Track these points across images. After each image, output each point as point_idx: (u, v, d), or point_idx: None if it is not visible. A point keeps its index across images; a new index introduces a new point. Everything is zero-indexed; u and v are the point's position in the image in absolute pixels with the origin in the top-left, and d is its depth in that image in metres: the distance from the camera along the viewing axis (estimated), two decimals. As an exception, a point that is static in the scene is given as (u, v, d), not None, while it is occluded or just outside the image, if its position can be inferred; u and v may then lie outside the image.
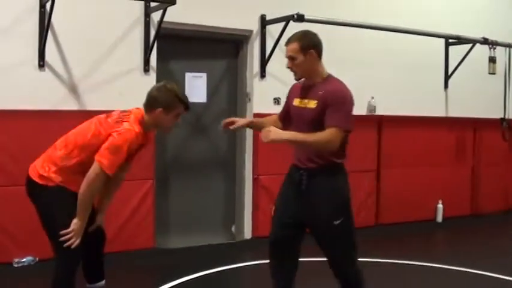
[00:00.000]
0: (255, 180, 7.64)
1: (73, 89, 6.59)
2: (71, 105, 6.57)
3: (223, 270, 6.12)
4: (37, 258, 6.27)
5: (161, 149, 7.12)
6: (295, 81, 4.61)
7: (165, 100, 4.31)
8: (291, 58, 4.32)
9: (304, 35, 4.33)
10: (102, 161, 4.08)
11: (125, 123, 4.24)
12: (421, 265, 6.49)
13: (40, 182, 4.28)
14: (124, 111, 4.45)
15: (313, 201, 4.19)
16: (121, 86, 6.75)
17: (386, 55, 8.45)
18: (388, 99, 8.40)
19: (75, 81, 6.58)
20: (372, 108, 8.37)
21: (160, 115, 4.31)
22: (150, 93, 4.42)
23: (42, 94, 6.39)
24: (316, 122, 4.13)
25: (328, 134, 4.01)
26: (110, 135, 4.16)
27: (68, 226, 4.14)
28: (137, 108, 4.44)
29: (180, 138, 7.46)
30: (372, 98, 8.33)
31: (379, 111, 8.41)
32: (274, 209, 4.48)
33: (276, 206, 4.47)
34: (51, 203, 4.25)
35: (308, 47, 4.25)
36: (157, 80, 7.00)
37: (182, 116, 7.22)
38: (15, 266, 6.22)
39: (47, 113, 6.38)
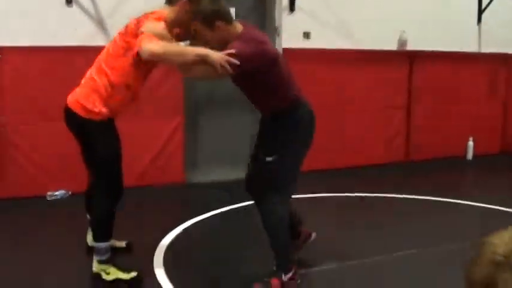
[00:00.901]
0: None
1: (101, 25, 6.57)
2: (99, 41, 6.55)
3: (251, 204, 6.17)
4: (70, 192, 6.39)
5: (191, 85, 7.11)
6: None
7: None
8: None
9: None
10: (139, 42, 3.89)
11: (147, 20, 4.08)
12: (448, 201, 6.48)
13: (85, 115, 4.17)
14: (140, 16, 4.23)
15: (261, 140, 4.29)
16: (149, 21, 6.71)
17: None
18: (420, 33, 8.24)
19: (102, 16, 6.56)
20: (403, 42, 8.22)
21: (185, 5, 4.07)
22: None
23: (70, 30, 6.39)
24: (242, 78, 4.02)
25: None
26: (137, 35, 3.99)
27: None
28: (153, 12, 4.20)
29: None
30: (403, 31, 8.18)
31: (411, 46, 8.26)
32: None
33: None
34: (97, 136, 4.19)
35: (212, 20, 3.90)
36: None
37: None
38: (49, 199, 6.35)
39: (75, 48, 6.39)
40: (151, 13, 4.18)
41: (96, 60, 4.35)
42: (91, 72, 4.31)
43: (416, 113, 8.50)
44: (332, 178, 7.50)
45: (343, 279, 4.43)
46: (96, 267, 4.24)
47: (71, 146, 6.31)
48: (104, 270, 4.22)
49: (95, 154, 4.22)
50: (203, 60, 3.76)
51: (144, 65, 4.08)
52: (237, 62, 3.70)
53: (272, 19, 7.63)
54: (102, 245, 4.21)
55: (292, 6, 7.54)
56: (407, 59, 8.32)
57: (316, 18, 7.66)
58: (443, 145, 8.66)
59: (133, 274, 4.22)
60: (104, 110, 4.12)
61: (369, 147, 8.14)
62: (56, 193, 6.38)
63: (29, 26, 6.20)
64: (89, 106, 4.13)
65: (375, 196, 6.68)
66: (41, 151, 6.35)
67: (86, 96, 4.18)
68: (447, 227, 5.64)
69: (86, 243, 4.71)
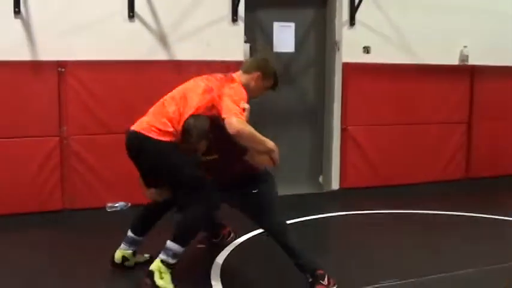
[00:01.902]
0: (344, 131, 7.57)
1: (162, 39, 6.66)
2: (160, 55, 6.65)
3: (310, 219, 6.14)
4: (129, 204, 6.46)
5: (249, 99, 7.12)
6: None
7: (265, 68, 4.64)
8: None
9: None
10: (233, 111, 4.23)
11: (234, 82, 4.50)
12: (509, 220, 6.33)
13: (156, 137, 4.31)
14: (225, 74, 4.67)
15: None
16: (209, 35, 6.78)
17: (481, 1, 8.06)
18: (482, 49, 8.08)
19: (164, 31, 6.65)
20: (464, 57, 8.09)
21: (257, 79, 4.60)
22: (250, 60, 4.89)
23: (131, 45, 6.49)
24: None
25: None
26: (222, 94, 4.36)
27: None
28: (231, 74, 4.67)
29: (268, 88, 7.44)
30: (465, 46, 8.05)
31: (472, 61, 8.12)
32: None
33: None
34: (170, 154, 4.32)
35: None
36: (245, 30, 7.01)
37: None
38: (108, 210, 6.43)
39: (137, 63, 6.49)
40: (231, 79, 4.57)
41: (170, 97, 4.58)
42: (164, 103, 4.52)
43: (477, 129, 8.32)
44: (390, 195, 7.40)
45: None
46: (155, 265, 4.23)
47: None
48: (161, 272, 4.21)
49: (180, 174, 4.36)
50: (267, 153, 4.41)
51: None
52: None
53: (332, 33, 7.60)
54: (177, 248, 4.23)
55: (352, 21, 7.50)
56: (469, 74, 8.17)
57: (377, 33, 7.60)
58: (505, 162, 8.45)
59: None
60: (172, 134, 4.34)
61: (428, 163, 8.00)
62: (116, 205, 6.46)
63: (91, 41, 6.32)
64: (163, 128, 4.33)
65: (434, 214, 6.57)
66: (101, 163, 6.44)
67: (159, 121, 4.38)
68: (505, 245, 5.52)
69: (113, 259, 4.75)
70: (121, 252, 4.74)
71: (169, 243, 4.24)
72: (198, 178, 4.33)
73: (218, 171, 4.43)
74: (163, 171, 4.41)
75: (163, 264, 4.22)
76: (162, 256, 4.24)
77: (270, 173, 4.73)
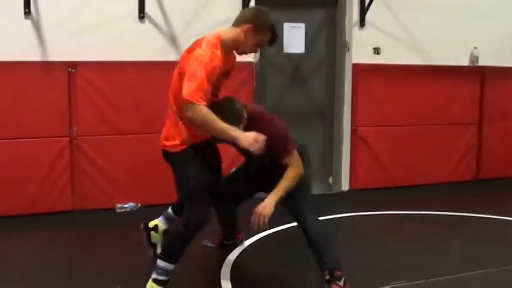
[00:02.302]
0: (354, 132, 7.55)
1: (173, 40, 6.67)
2: (171, 56, 6.65)
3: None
4: (139, 204, 6.47)
5: (259, 99, 7.13)
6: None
7: (258, 19, 4.14)
8: None
9: None
10: (184, 92, 3.88)
11: (196, 50, 4.05)
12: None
13: (169, 150, 4.24)
14: (199, 39, 4.24)
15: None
16: (219, 36, 6.77)
17: (490, 2, 8.06)
18: (492, 50, 8.05)
19: (174, 32, 6.66)
20: (474, 58, 8.06)
21: (247, 32, 4.12)
22: (242, 11, 4.26)
23: (142, 46, 6.50)
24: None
25: None
26: (186, 67, 4.02)
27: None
28: (215, 32, 4.23)
29: (278, 88, 7.45)
30: (475, 48, 8.02)
31: (482, 62, 8.09)
32: None
33: None
34: (179, 166, 4.22)
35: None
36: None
37: (282, 67, 7.29)
38: (118, 211, 6.44)
39: (147, 64, 6.50)
40: (201, 38, 4.24)
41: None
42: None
43: (487, 129, 8.29)
44: (400, 196, 7.38)
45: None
46: (149, 285, 4.22)
47: (140, 158, 6.47)
48: None
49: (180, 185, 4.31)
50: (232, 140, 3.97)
51: None
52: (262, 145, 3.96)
53: (342, 34, 7.59)
54: (166, 265, 4.18)
55: (362, 22, 7.49)
56: (479, 75, 8.14)
57: (387, 34, 7.58)
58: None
59: None
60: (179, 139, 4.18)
61: (438, 164, 7.98)
62: (125, 205, 6.48)
63: (102, 42, 6.33)
64: (169, 139, 4.24)
65: (444, 215, 6.55)
66: (111, 163, 6.46)
67: (167, 130, 4.29)
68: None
69: (146, 223, 4.82)
70: (158, 221, 4.76)
71: (159, 262, 4.21)
72: (192, 191, 4.16)
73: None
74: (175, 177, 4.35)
75: (155, 283, 4.20)
76: (153, 275, 4.21)
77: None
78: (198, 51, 4.02)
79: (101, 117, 6.39)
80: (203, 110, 3.86)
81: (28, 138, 6.16)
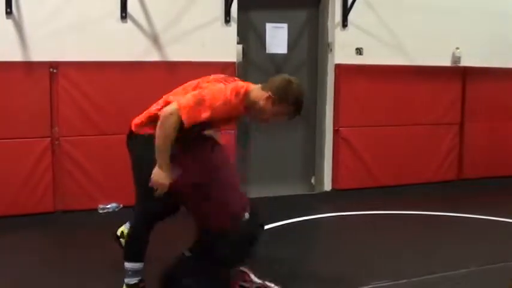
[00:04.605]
0: (336, 132, 7.57)
1: (155, 40, 6.65)
2: (153, 56, 6.64)
3: (302, 220, 6.14)
4: (121, 205, 6.45)
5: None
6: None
7: (281, 91, 3.91)
8: None
9: None
10: (181, 101, 3.76)
11: (220, 83, 3.97)
12: (502, 221, 6.35)
13: (134, 129, 4.19)
14: (229, 76, 4.19)
15: None
16: (202, 37, 6.77)
17: (472, 2, 8.09)
18: (474, 50, 8.10)
19: (156, 32, 6.64)
20: (456, 59, 8.10)
21: (267, 100, 3.92)
22: (274, 77, 4.06)
23: (124, 46, 6.48)
24: None
25: None
26: (201, 87, 3.97)
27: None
28: (246, 82, 4.11)
29: (261, 89, 7.44)
30: (457, 48, 8.06)
31: (464, 63, 8.14)
32: None
33: None
34: (142, 152, 4.12)
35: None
36: (238, 31, 7.00)
37: (264, 68, 7.29)
38: (100, 212, 6.42)
39: (129, 64, 6.48)
40: (233, 79, 4.16)
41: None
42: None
43: (469, 130, 8.34)
44: (382, 196, 7.41)
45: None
46: None
47: (123, 159, 6.40)
48: None
49: (135, 172, 4.30)
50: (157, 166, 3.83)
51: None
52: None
53: (324, 35, 7.60)
54: (131, 265, 4.16)
55: (344, 22, 7.50)
56: (461, 75, 8.19)
57: (369, 34, 7.60)
58: (497, 163, 8.47)
59: None
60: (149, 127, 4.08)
61: (421, 164, 8.02)
62: (108, 206, 6.45)
63: (84, 41, 6.30)
64: (136, 121, 4.26)
65: (426, 214, 6.59)
66: (93, 164, 6.43)
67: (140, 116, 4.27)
68: (498, 246, 5.54)
69: (116, 233, 4.78)
70: (123, 228, 4.74)
71: (125, 264, 4.18)
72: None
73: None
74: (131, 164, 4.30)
75: (128, 287, 4.19)
76: (125, 280, 4.19)
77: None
78: (221, 87, 3.94)
79: (83, 117, 6.36)
80: (174, 124, 3.71)
81: (9, 138, 6.11)
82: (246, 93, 3.93)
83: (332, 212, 6.68)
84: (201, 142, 4.04)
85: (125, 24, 6.50)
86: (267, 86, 3.95)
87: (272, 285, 4.13)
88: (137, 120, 4.22)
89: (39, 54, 6.16)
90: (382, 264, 4.96)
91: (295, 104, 3.96)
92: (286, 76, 4.05)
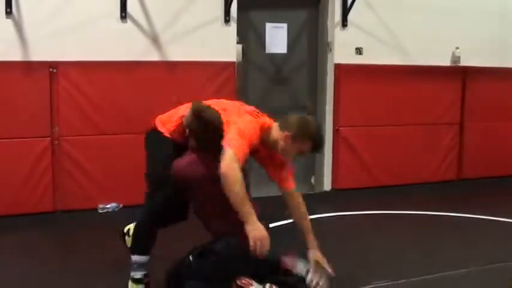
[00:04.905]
0: (336, 132, 7.58)
1: (155, 40, 6.65)
2: (153, 56, 6.64)
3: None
4: (121, 205, 6.45)
5: (241, 99, 7.11)
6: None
7: (298, 129, 4.08)
8: None
9: None
10: (232, 143, 3.82)
11: (250, 116, 4.09)
12: (501, 221, 6.35)
13: (160, 129, 4.28)
14: (258, 111, 4.25)
15: None
16: (202, 36, 6.77)
17: (472, 2, 8.11)
18: (474, 50, 8.11)
19: (156, 32, 6.64)
20: (456, 59, 8.11)
21: (286, 139, 4.08)
22: (288, 117, 4.21)
23: (124, 45, 6.48)
24: None
25: None
26: (232, 122, 3.98)
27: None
28: (270, 118, 4.24)
29: (261, 88, 7.45)
30: (457, 48, 8.07)
31: (464, 62, 8.14)
32: None
33: None
34: (160, 150, 4.23)
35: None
36: (238, 31, 7.00)
37: (264, 67, 7.30)
38: (100, 211, 6.42)
39: (129, 64, 6.47)
40: (262, 114, 4.22)
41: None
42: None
43: (469, 130, 8.34)
44: (382, 196, 7.41)
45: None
46: (129, 285, 4.24)
47: (122, 159, 6.45)
48: None
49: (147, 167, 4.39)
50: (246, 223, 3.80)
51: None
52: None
53: (324, 34, 7.61)
54: (137, 258, 4.21)
55: (344, 22, 7.50)
56: (460, 75, 8.19)
57: (369, 34, 7.61)
58: (497, 163, 8.47)
59: None
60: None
61: (420, 164, 8.02)
62: (108, 206, 6.45)
63: (83, 41, 6.30)
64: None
65: (426, 214, 6.59)
66: (93, 164, 6.43)
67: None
68: (497, 246, 5.54)
69: (123, 229, 4.74)
70: (131, 225, 4.67)
71: (132, 257, 4.23)
72: (159, 179, 4.18)
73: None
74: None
75: (134, 282, 4.21)
76: (131, 274, 4.22)
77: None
78: (252, 121, 4.06)
79: (83, 117, 6.36)
80: (238, 170, 3.76)
81: (9, 138, 6.12)
82: (266, 131, 4.11)
83: (332, 212, 6.67)
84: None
85: (124, 24, 6.50)
86: (284, 126, 4.11)
87: None
88: (168, 125, 4.27)
89: (39, 54, 6.16)
90: (382, 264, 4.96)
91: (315, 138, 4.14)
92: (300, 115, 4.25)
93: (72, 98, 6.29)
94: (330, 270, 4.24)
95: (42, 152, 6.21)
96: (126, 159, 6.37)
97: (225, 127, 3.95)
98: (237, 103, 4.43)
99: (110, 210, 6.45)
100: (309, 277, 4.19)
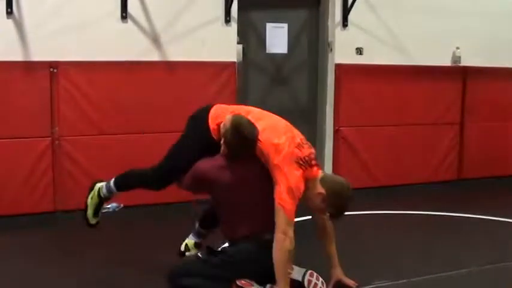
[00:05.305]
0: (336, 132, 7.57)
1: (155, 40, 6.65)
2: (153, 56, 6.64)
3: (302, 221, 6.14)
4: (121, 205, 6.43)
5: (242, 99, 7.13)
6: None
7: (335, 195, 4.17)
8: None
9: None
10: (284, 204, 4.04)
11: (298, 169, 4.14)
12: (502, 221, 6.35)
13: (210, 120, 4.41)
14: (314, 158, 4.33)
15: None
16: (202, 36, 6.77)
17: (473, 2, 8.09)
18: (474, 50, 8.10)
19: (156, 32, 6.64)
20: (456, 59, 8.10)
21: (318, 195, 4.18)
22: (335, 176, 4.51)
23: (124, 45, 6.48)
24: None
25: None
26: (282, 172, 4.09)
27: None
28: (317, 167, 4.32)
29: (261, 88, 7.45)
30: (457, 48, 8.06)
31: (464, 62, 8.14)
32: None
33: None
34: (201, 127, 4.40)
35: None
36: (239, 31, 7.00)
37: (264, 67, 7.30)
38: (101, 211, 6.40)
39: (129, 64, 6.48)
40: (316, 163, 4.31)
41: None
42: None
43: (469, 130, 8.33)
44: (382, 196, 7.41)
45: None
46: (97, 185, 4.75)
47: (123, 158, 6.43)
48: (93, 196, 4.75)
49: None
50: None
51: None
52: None
53: (325, 34, 7.61)
54: (113, 186, 4.65)
55: (345, 22, 7.50)
56: (461, 75, 8.18)
57: (369, 34, 7.60)
58: (497, 163, 8.47)
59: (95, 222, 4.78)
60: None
61: (420, 164, 8.02)
62: (108, 206, 6.41)
63: (84, 41, 6.30)
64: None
65: (426, 214, 6.59)
66: (93, 164, 6.42)
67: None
68: (498, 246, 5.54)
69: (180, 248, 4.83)
70: (187, 240, 4.84)
71: (113, 179, 4.68)
72: (174, 159, 4.45)
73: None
74: None
75: (97, 191, 4.73)
76: (103, 183, 4.72)
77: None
78: (299, 176, 4.13)
79: (83, 117, 6.35)
80: (291, 238, 4.06)
81: (10, 138, 6.11)
82: (312, 180, 4.20)
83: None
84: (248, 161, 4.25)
85: (125, 24, 6.50)
86: (326, 182, 4.20)
87: None
88: (218, 120, 4.36)
89: (39, 54, 6.16)
90: (382, 264, 4.97)
91: (339, 210, 4.24)
92: (345, 182, 4.34)
93: (73, 98, 6.29)
94: (353, 283, 4.43)
95: (43, 152, 6.20)
96: (126, 159, 6.35)
97: (272, 162, 4.10)
98: (289, 130, 4.48)
99: (111, 210, 6.41)
100: (306, 279, 4.24)
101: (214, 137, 4.33)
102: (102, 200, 4.76)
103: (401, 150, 7.87)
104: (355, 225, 6.27)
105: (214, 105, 4.54)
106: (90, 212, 4.77)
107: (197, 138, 4.41)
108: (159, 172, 4.50)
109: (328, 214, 4.31)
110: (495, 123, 8.44)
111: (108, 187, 4.68)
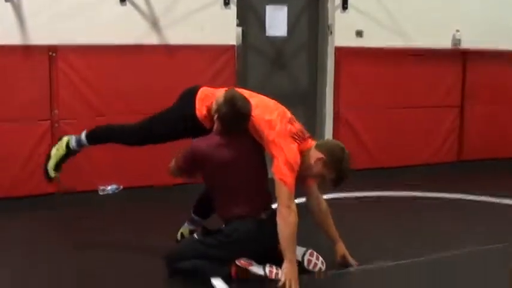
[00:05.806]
0: (336, 115, 7.58)
1: (154, 23, 6.63)
2: (153, 39, 6.63)
3: (301, 203, 6.17)
4: (121, 186, 6.44)
5: (242, 84, 7.13)
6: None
7: (336, 157, 4.17)
8: None
9: None
10: (286, 179, 4.07)
11: (294, 142, 4.19)
12: (501, 202, 6.36)
13: (197, 104, 4.45)
14: (304, 132, 4.37)
15: None
16: (201, 19, 6.76)
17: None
18: (474, 33, 8.08)
19: (155, 15, 6.62)
20: (456, 41, 8.08)
21: (318, 160, 4.18)
22: (329, 141, 4.60)
23: (123, 29, 6.47)
24: None
25: None
26: (278, 146, 4.13)
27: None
28: (311, 139, 4.37)
29: (261, 71, 7.45)
30: (457, 31, 8.04)
31: (464, 45, 8.12)
32: None
33: None
34: (187, 108, 4.44)
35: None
36: (238, 14, 6.98)
37: (264, 50, 7.29)
38: (100, 193, 6.40)
39: (128, 47, 6.47)
40: (308, 136, 4.35)
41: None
42: None
43: (469, 112, 8.33)
44: (382, 177, 7.41)
45: (397, 277, 4.42)
46: (65, 139, 4.82)
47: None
48: (60, 147, 4.79)
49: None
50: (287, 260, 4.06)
51: None
52: None
53: (325, 17, 7.59)
54: (84, 139, 4.77)
55: (345, 5, 7.47)
56: (461, 58, 8.16)
57: (369, 17, 7.58)
58: (497, 145, 8.47)
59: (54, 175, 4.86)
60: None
61: (421, 146, 8.02)
62: (108, 188, 6.44)
63: (82, 25, 6.29)
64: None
65: (426, 196, 6.60)
66: (92, 146, 6.42)
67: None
68: (497, 227, 5.57)
69: (176, 237, 4.83)
70: (182, 229, 4.85)
71: (84, 133, 4.79)
72: (152, 127, 4.59)
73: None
74: None
75: (66, 142, 4.78)
76: (69, 138, 4.80)
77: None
78: (295, 150, 4.17)
79: (82, 100, 6.37)
80: (294, 210, 4.12)
81: (9, 121, 6.13)
82: (307, 151, 4.23)
83: (332, 194, 6.67)
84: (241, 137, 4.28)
85: (124, 8, 6.48)
86: (323, 147, 4.22)
87: (273, 269, 4.15)
88: (206, 102, 4.40)
89: (38, 38, 6.16)
90: (383, 245, 4.98)
91: (342, 173, 4.21)
92: (341, 144, 4.34)
93: (72, 81, 6.30)
94: (354, 262, 4.47)
95: (42, 135, 6.22)
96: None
97: (267, 138, 4.15)
98: (279, 107, 4.48)
99: (110, 192, 6.42)
100: (306, 259, 4.26)
101: (199, 118, 4.37)
102: (69, 152, 4.81)
103: (402, 133, 7.87)
104: (355, 206, 6.29)
105: (201, 87, 4.56)
106: (52, 163, 4.80)
107: (181, 115, 4.46)
108: (137, 130, 4.65)
109: (330, 180, 4.25)
110: (495, 106, 8.42)
111: (78, 140, 4.77)
